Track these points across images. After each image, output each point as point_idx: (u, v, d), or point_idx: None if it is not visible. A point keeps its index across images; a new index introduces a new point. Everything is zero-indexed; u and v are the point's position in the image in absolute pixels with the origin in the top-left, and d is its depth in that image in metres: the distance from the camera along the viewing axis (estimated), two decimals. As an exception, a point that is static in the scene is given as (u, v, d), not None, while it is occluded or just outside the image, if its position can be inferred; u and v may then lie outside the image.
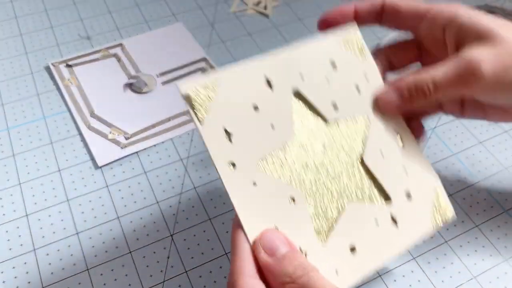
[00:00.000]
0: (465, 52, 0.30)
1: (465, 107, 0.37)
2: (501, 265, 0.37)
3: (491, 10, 0.58)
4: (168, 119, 0.46)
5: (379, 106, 0.33)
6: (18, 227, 0.39)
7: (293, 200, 0.30)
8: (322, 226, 0.31)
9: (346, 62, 0.35)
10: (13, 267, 0.36)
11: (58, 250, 0.37)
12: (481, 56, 0.30)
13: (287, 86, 0.32)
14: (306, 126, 0.33)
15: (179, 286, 0.36)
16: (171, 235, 0.38)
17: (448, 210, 0.34)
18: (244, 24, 0.56)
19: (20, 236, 0.38)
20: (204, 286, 0.36)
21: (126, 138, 0.44)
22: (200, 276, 0.36)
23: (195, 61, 0.51)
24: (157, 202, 0.40)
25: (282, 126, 0.32)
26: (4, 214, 0.39)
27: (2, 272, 0.36)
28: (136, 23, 0.56)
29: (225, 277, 0.36)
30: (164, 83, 0.49)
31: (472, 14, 0.31)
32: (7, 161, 0.43)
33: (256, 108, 0.31)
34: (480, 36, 0.31)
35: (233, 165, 0.29)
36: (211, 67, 0.51)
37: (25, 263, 0.37)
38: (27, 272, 0.36)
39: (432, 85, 0.31)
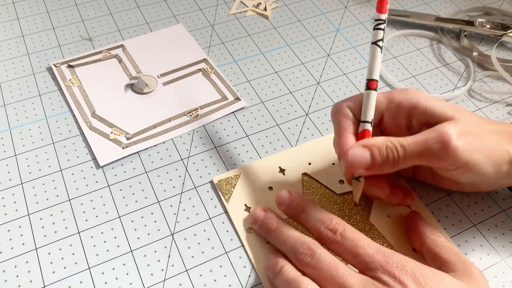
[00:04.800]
0: (437, 127, 0.33)
1: (417, 172, 0.41)
2: (498, 264, 0.38)
3: (489, 12, 0.58)
4: (169, 120, 0.46)
5: (348, 163, 0.34)
6: (20, 226, 0.39)
7: None
8: None
9: None
10: (15, 266, 0.37)
11: (60, 249, 0.38)
12: (452, 130, 0.32)
13: (297, 171, 0.42)
14: (315, 197, 0.40)
15: (180, 284, 0.36)
16: (171, 234, 0.39)
17: None
18: (244, 26, 0.56)
19: (22, 235, 0.38)
20: (205, 285, 0.36)
21: (127, 138, 0.45)
22: (201, 275, 0.37)
23: (195, 62, 0.52)
24: (158, 202, 0.41)
25: None
26: (6, 214, 0.40)
27: (4, 271, 0.36)
28: (137, 24, 0.56)
29: (225, 275, 0.37)
30: (165, 83, 0.50)
31: (430, 98, 0.35)
32: (9, 161, 0.43)
33: (270, 188, 0.41)
34: (443, 118, 0.34)
35: (251, 229, 0.38)
36: (211, 68, 0.51)
37: (26, 262, 0.37)
38: (28, 271, 0.37)
39: (402, 151, 0.33)
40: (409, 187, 0.41)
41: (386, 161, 0.33)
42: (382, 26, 0.36)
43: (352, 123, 0.36)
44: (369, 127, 0.35)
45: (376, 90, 0.36)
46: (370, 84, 0.36)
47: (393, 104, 0.36)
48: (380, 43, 0.36)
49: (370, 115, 0.35)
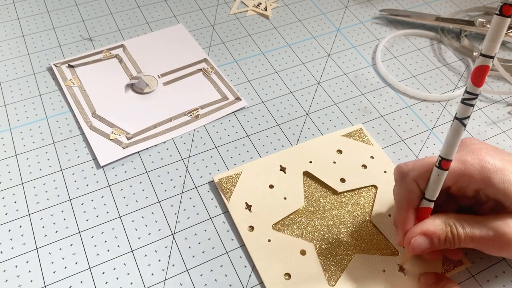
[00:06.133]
0: (497, 226, 0.33)
1: None
2: (499, 264, 0.38)
3: (489, 12, 0.58)
4: (170, 119, 0.46)
5: (409, 249, 0.35)
6: (20, 226, 0.39)
7: (304, 252, 0.37)
8: (331, 272, 0.36)
9: (351, 149, 0.44)
10: (16, 266, 0.37)
11: (61, 248, 0.38)
12: None
13: (298, 169, 0.42)
14: (316, 196, 0.41)
15: (180, 284, 0.36)
16: (172, 234, 0.39)
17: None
18: (244, 25, 0.56)
19: (22, 235, 0.38)
20: (205, 285, 0.36)
21: (128, 138, 0.45)
22: (201, 275, 0.37)
23: (196, 62, 0.52)
24: (159, 201, 0.41)
25: (293, 197, 0.40)
26: (6, 214, 0.40)
27: (4, 271, 0.36)
28: (137, 24, 0.56)
29: (226, 275, 0.37)
30: (166, 83, 0.50)
31: (506, 179, 0.33)
32: (10, 160, 0.43)
33: (271, 186, 0.41)
34: None
35: (252, 228, 0.38)
36: (212, 67, 0.51)
37: (27, 261, 0.37)
38: (29, 271, 0.37)
39: (459, 241, 0.34)
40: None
41: (443, 246, 0.34)
42: (473, 102, 0.31)
43: (417, 198, 0.35)
44: (431, 205, 0.35)
45: (447, 170, 0.33)
46: (444, 164, 0.33)
47: (464, 179, 0.34)
48: (466, 121, 0.31)
49: (435, 195, 0.34)
